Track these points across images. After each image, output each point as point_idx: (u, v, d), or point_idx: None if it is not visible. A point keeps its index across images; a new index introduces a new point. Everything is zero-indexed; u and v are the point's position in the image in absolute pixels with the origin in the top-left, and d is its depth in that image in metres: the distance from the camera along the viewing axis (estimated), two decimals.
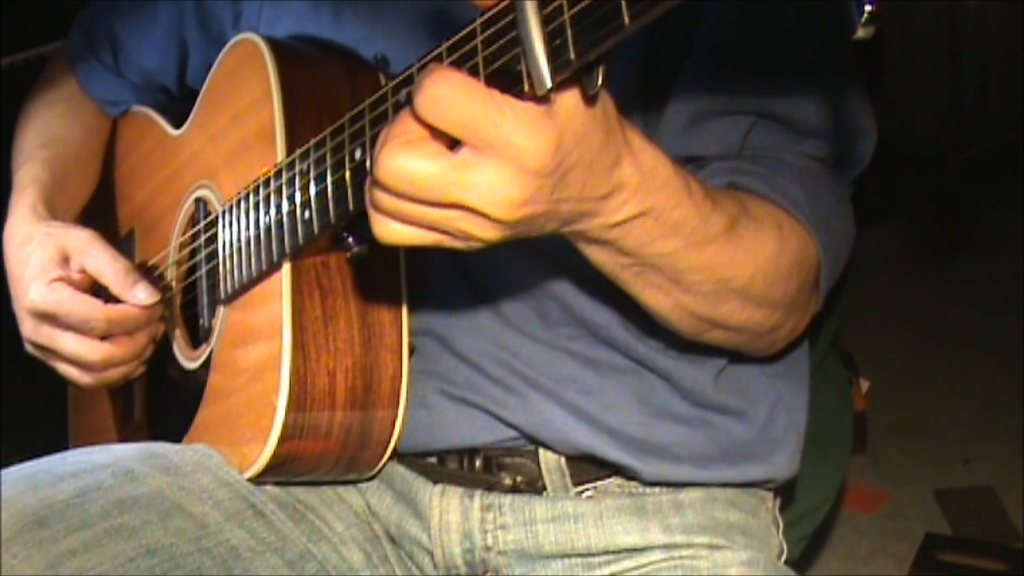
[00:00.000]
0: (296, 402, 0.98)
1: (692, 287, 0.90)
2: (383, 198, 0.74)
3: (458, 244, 0.76)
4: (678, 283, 0.89)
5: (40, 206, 1.21)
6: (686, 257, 0.87)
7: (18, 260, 1.17)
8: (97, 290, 1.18)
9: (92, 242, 1.15)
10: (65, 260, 1.14)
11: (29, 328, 1.16)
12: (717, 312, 0.93)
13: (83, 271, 1.15)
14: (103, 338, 1.14)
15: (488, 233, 0.74)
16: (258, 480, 1.03)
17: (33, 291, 1.12)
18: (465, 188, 0.71)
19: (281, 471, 1.02)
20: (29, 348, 1.19)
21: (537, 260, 1.02)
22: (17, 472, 0.99)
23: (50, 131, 1.32)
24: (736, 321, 0.94)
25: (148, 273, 1.22)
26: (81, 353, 1.14)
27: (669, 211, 0.83)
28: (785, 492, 1.18)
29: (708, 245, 0.87)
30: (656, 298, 0.91)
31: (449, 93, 0.70)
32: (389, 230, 0.76)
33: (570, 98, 0.72)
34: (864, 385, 2.54)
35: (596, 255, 0.86)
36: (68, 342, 1.14)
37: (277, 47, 1.04)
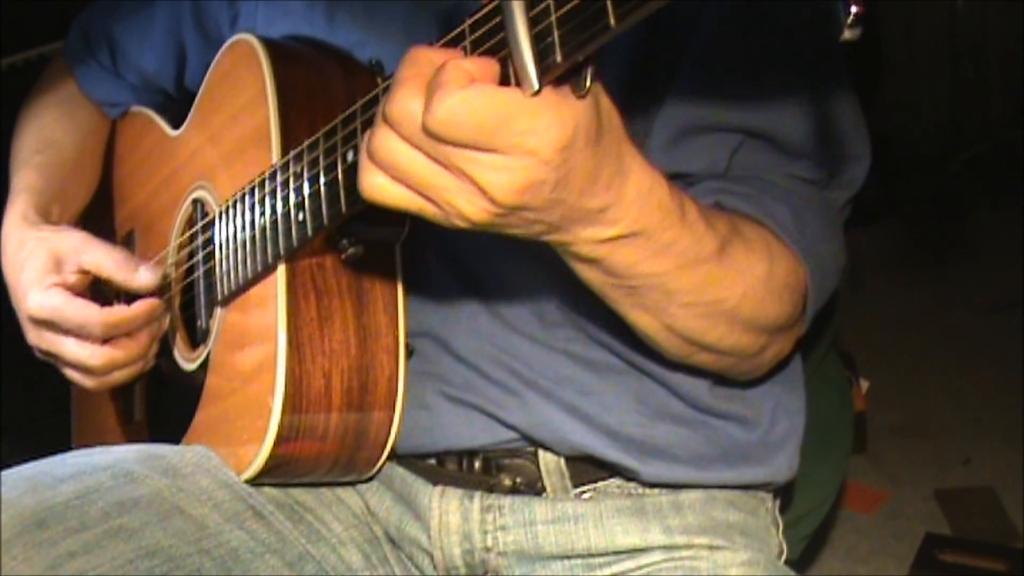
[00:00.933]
0: (292, 404, 0.98)
1: (681, 310, 0.89)
2: (386, 139, 0.73)
3: (440, 218, 0.75)
4: (667, 305, 0.89)
5: (31, 212, 1.21)
6: (677, 278, 0.86)
7: (14, 268, 1.17)
8: (96, 291, 1.18)
9: (86, 240, 1.16)
10: (58, 264, 1.15)
11: (33, 335, 1.17)
12: (707, 337, 0.93)
13: (80, 271, 1.15)
14: (104, 342, 1.14)
15: (477, 213, 0.74)
16: (256, 481, 1.04)
17: (31, 299, 1.13)
18: (474, 160, 0.71)
19: (278, 473, 1.02)
20: (38, 354, 1.19)
21: (535, 261, 1.02)
22: (17, 473, 0.99)
23: (45, 135, 1.32)
24: (725, 345, 0.94)
25: None
26: (82, 358, 1.14)
27: (660, 232, 0.83)
28: (785, 492, 1.19)
29: (699, 266, 0.87)
30: (644, 319, 0.91)
31: (460, 112, 0.69)
32: (376, 184, 0.75)
33: (587, 101, 0.72)
34: (864, 385, 2.54)
35: (585, 272, 0.86)
36: (69, 347, 1.14)
37: (273, 47, 1.04)
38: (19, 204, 1.22)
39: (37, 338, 1.16)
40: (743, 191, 0.97)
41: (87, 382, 1.18)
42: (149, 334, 1.17)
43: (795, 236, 0.96)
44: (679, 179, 0.99)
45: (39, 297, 1.12)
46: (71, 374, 1.18)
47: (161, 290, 1.20)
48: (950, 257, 3.41)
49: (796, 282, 0.96)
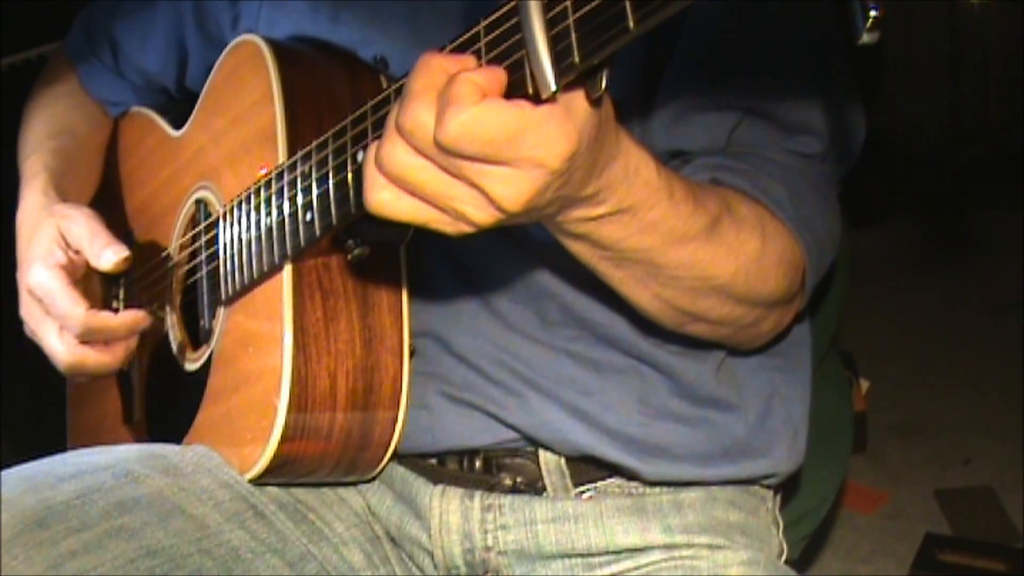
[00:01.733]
0: (297, 403, 0.98)
1: (671, 282, 0.90)
2: (395, 150, 0.73)
3: (447, 227, 0.76)
4: (656, 277, 0.90)
5: (51, 190, 1.21)
6: (664, 253, 0.87)
7: (26, 243, 1.17)
8: (105, 286, 1.18)
9: (76, 217, 1.16)
10: (64, 239, 1.15)
11: (25, 309, 1.17)
12: (697, 306, 0.94)
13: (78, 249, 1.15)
14: (84, 340, 1.14)
15: (485, 219, 0.74)
16: (259, 481, 1.03)
17: (33, 272, 1.13)
18: (484, 173, 0.72)
19: (282, 472, 1.02)
20: (26, 329, 1.19)
21: (536, 261, 1.02)
22: (17, 473, 0.99)
23: (57, 123, 1.32)
24: (717, 315, 0.95)
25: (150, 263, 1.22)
26: (55, 350, 1.14)
27: (646, 210, 0.83)
28: (785, 492, 1.19)
29: (687, 243, 0.87)
30: (635, 290, 0.92)
31: (472, 128, 0.70)
32: (382, 199, 0.75)
33: (584, 102, 0.72)
34: (864, 385, 2.54)
35: (573, 246, 0.87)
36: (49, 335, 1.14)
37: (278, 48, 1.04)
38: (39, 183, 1.22)
39: (27, 313, 1.16)
40: (740, 168, 0.98)
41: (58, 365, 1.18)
42: (126, 347, 1.16)
43: (791, 213, 0.96)
44: (680, 156, 1.00)
45: (41, 274, 1.12)
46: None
47: (151, 300, 1.20)
48: (950, 257, 3.42)
49: (792, 258, 0.97)
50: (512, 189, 0.72)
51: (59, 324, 1.13)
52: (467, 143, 0.70)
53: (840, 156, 1.04)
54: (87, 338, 1.13)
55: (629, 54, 0.97)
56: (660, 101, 0.99)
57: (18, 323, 1.18)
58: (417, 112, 0.72)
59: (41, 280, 1.12)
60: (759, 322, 0.99)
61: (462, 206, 0.74)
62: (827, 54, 1.03)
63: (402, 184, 0.74)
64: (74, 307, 1.11)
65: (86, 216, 1.16)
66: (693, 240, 0.88)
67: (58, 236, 1.15)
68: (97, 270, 1.15)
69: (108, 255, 1.13)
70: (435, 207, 0.75)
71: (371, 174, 0.76)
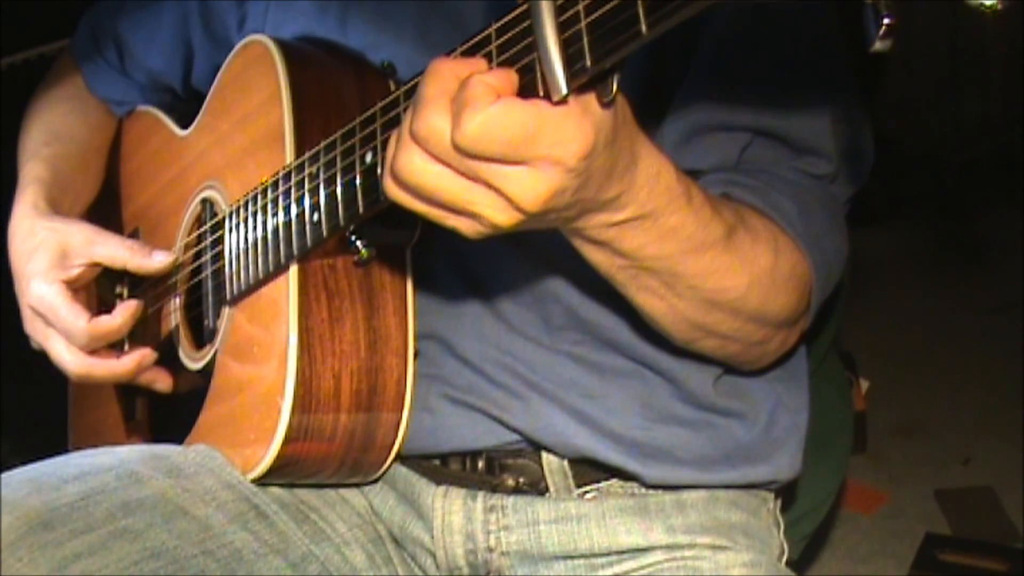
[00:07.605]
0: (301, 404, 0.98)
1: (687, 292, 0.90)
2: (411, 159, 0.74)
3: (465, 227, 0.76)
4: (673, 287, 0.90)
5: (41, 203, 1.21)
6: (682, 261, 0.87)
7: (21, 256, 1.17)
8: (102, 292, 1.18)
9: (97, 233, 1.16)
10: (65, 256, 1.15)
11: (29, 324, 1.17)
12: (710, 319, 0.94)
13: (89, 265, 1.15)
14: (92, 351, 1.14)
15: (504, 221, 0.74)
16: (261, 482, 1.04)
17: (33, 289, 1.13)
18: (502, 174, 0.72)
19: (284, 473, 1.02)
20: (33, 344, 1.19)
21: (541, 265, 1.02)
22: (21, 475, 0.99)
23: (54, 129, 1.32)
24: (728, 329, 0.95)
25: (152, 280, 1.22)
26: (63, 362, 1.14)
27: (668, 215, 0.83)
28: (786, 492, 1.19)
29: (705, 251, 0.88)
30: (651, 302, 0.91)
31: (490, 128, 0.70)
32: (400, 196, 0.76)
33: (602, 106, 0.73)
34: (864, 385, 2.54)
35: (593, 255, 0.87)
36: (56, 346, 1.14)
37: (287, 49, 1.04)
38: (29, 194, 1.22)
39: (32, 328, 1.17)
40: (751, 184, 0.98)
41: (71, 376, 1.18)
42: (135, 360, 1.16)
43: (800, 230, 0.97)
44: (690, 175, 1.00)
45: (42, 289, 1.12)
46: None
47: (155, 300, 1.20)
48: (950, 257, 3.42)
49: (801, 274, 0.97)
50: (530, 189, 0.72)
51: (65, 338, 1.13)
52: (486, 143, 0.70)
53: (849, 178, 1.04)
54: (94, 346, 1.13)
55: (631, 67, 0.97)
56: (671, 120, 1.00)
57: (18, 324, 1.19)
58: (431, 118, 0.72)
59: (43, 295, 1.12)
60: (767, 340, 0.99)
61: (482, 209, 0.74)
62: (838, 76, 1.03)
63: (419, 192, 0.75)
64: (77, 320, 1.11)
65: (105, 233, 1.16)
66: (711, 248, 0.88)
67: (57, 252, 1.14)
68: (143, 273, 1.16)
69: (160, 257, 1.15)
70: (454, 211, 0.75)
71: (388, 179, 0.76)
